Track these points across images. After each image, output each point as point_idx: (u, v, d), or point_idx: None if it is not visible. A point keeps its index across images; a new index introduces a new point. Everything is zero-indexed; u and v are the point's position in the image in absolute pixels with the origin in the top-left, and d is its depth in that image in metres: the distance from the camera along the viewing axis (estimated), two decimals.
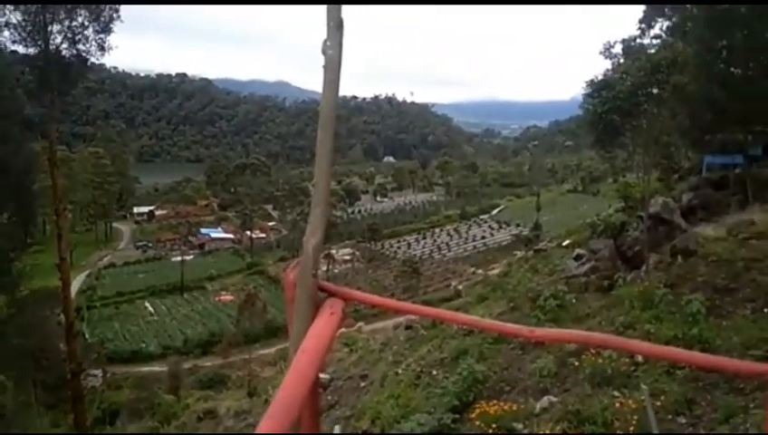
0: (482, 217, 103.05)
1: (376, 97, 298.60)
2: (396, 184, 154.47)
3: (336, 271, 68.84)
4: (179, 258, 75.36)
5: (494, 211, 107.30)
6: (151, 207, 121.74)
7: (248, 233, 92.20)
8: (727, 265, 11.85)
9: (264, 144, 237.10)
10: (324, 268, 64.58)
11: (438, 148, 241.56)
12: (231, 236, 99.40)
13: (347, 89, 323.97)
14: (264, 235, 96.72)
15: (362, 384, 14.88)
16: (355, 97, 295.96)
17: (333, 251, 71.11)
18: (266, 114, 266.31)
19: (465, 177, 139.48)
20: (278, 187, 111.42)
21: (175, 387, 35.68)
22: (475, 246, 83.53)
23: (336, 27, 1.68)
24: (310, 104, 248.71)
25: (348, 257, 76.55)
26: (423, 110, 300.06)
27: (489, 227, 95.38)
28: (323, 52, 1.70)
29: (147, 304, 65.34)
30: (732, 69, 22.79)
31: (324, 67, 1.69)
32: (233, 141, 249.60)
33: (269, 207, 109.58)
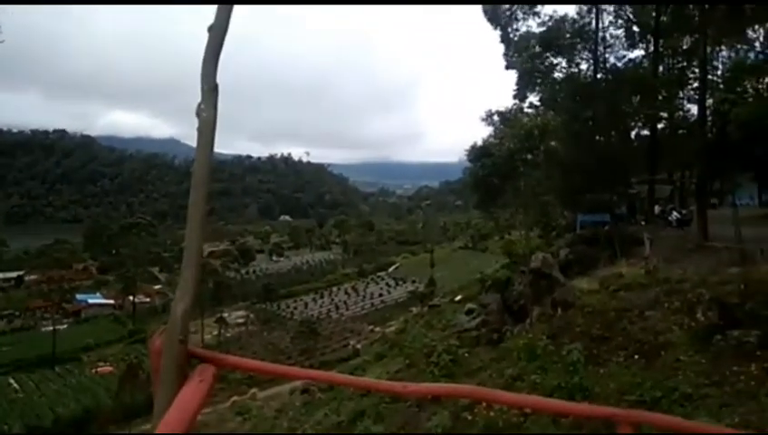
0: (379, 274, 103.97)
1: (271, 156, 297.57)
2: (293, 243, 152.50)
3: (228, 335, 65.66)
4: (51, 328, 68.46)
5: (391, 268, 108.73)
6: (20, 272, 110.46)
7: (131, 298, 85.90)
8: (601, 315, 12.74)
9: (151, 203, 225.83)
10: (215, 332, 61.51)
11: (335, 207, 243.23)
12: (111, 301, 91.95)
13: (241, 148, 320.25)
14: (148, 299, 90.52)
15: None
16: (249, 156, 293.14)
17: (225, 314, 68.05)
18: (154, 172, 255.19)
19: (361, 235, 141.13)
20: (165, 247, 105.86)
21: None
22: (372, 304, 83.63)
23: (210, 90, 1.70)
24: None
25: (241, 320, 73.45)
26: (319, 169, 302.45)
27: (386, 284, 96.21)
28: (197, 114, 1.70)
29: (11, 381, 58.17)
30: (596, 136, 25.42)
31: (198, 130, 1.69)
32: (116, 201, 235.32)
33: (155, 270, 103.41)
